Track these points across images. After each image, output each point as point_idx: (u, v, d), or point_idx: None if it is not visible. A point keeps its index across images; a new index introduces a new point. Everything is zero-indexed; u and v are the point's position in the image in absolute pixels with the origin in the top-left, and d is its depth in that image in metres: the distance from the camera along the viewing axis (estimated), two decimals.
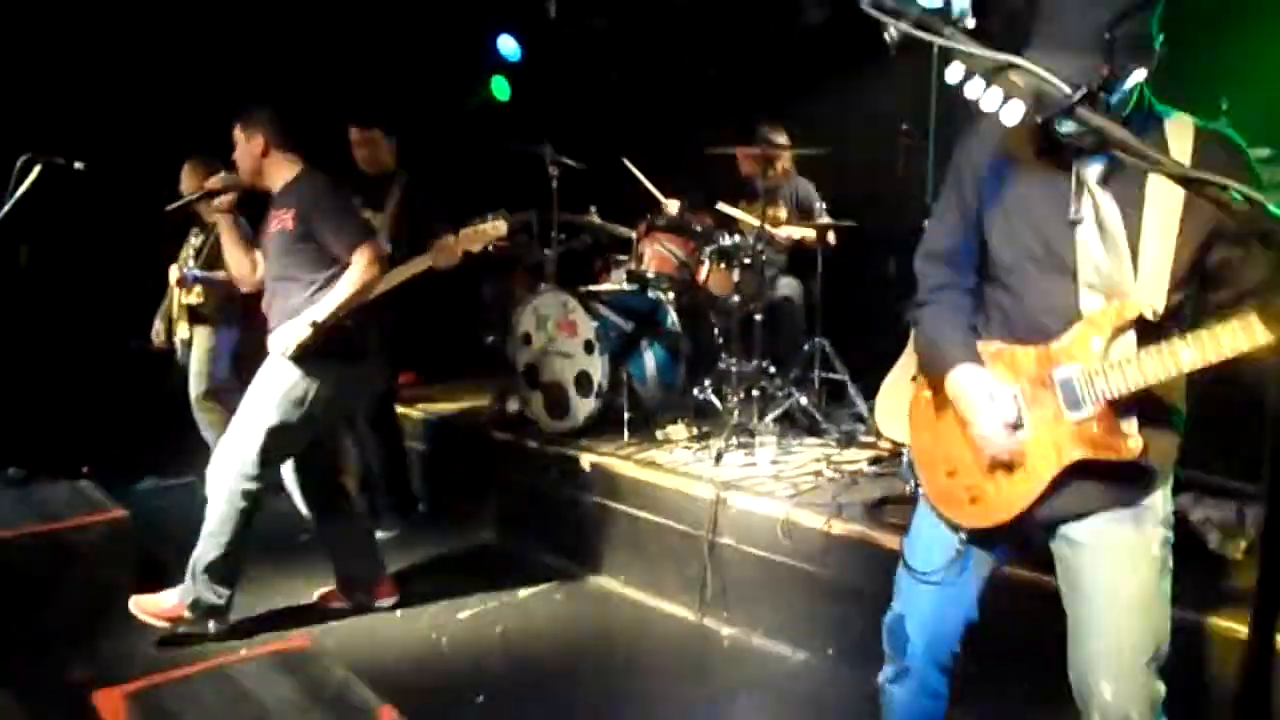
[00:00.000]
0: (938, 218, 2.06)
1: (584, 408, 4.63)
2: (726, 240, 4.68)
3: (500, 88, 7.12)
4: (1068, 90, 1.20)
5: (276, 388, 3.49)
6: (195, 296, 5.26)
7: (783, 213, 5.29)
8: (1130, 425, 1.79)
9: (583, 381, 4.64)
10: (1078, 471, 1.82)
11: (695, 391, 4.74)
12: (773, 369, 4.61)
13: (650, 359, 4.81)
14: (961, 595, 2.04)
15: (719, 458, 4.14)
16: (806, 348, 4.90)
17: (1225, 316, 1.64)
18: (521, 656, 3.54)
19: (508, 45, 6.77)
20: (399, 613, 3.83)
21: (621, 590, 4.11)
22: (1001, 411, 1.85)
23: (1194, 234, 1.72)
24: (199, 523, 3.75)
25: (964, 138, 1.99)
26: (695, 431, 4.61)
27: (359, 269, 3.46)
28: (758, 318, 4.56)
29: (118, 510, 3.98)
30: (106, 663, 3.37)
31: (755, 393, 4.48)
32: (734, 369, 4.57)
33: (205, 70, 5.97)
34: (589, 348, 4.60)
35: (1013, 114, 1.24)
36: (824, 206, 5.23)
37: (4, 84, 5.33)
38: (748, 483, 3.88)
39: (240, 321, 5.42)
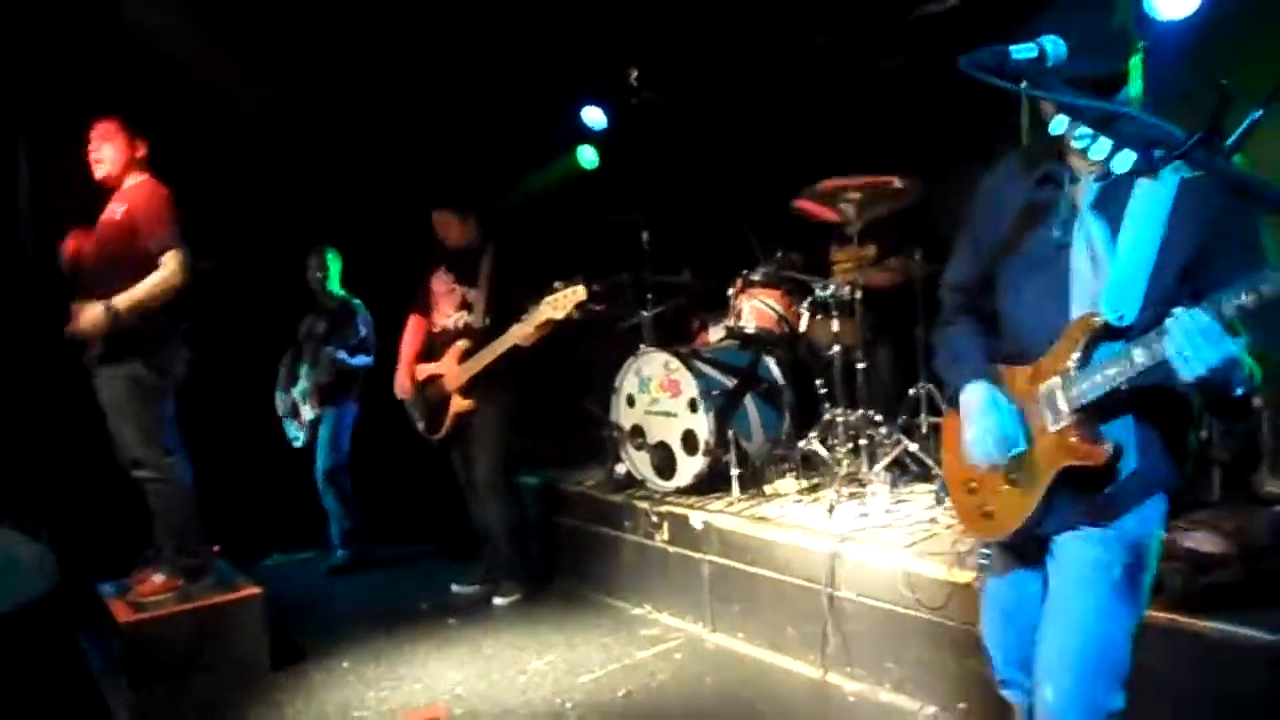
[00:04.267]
0: (958, 251, 2.27)
1: (692, 466, 4.66)
2: (823, 291, 4.69)
3: (586, 157, 7.32)
4: (1182, 137, 1.21)
5: None
6: (327, 376, 5.56)
7: (872, 251, 5.23)
8: (1110, 431, 1.89)
9: (689, 440, 4.68)
10: (1067, 486, 1.95)
11: (802, 444, 4.72)
12: (879, 417, 4.57)
13: (754, 414, 4.83)
14: (1021, 608, 2.16)
15: (831, 509, 4.11)
16: (912, 393, 4.84)
17: None
18: (648, 719, 3.55)
19: (593, 115, 6.96)
20: (523, 679, 3.89)
21: (742, 648, 4.09)
22: (995, 426, 2.00)
23: (1177, 250, 1.81)
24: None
25: (982, 179, 2.20)
26: (805, 484, 4.60)
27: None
28: (860, 365, 4.54)
29: (253, 588, 4.16)
30: None
31: (863, 441, 4.45)
32: (840, 419, 4.55)
33: (312, 162, 6.28)
34: (693, 406, 4.65)
35: (1123, 162, 1.26)
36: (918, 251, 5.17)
37: None
38: (863, 534, 3.84)
39: (360, 397, 5.73)
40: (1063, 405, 1.92)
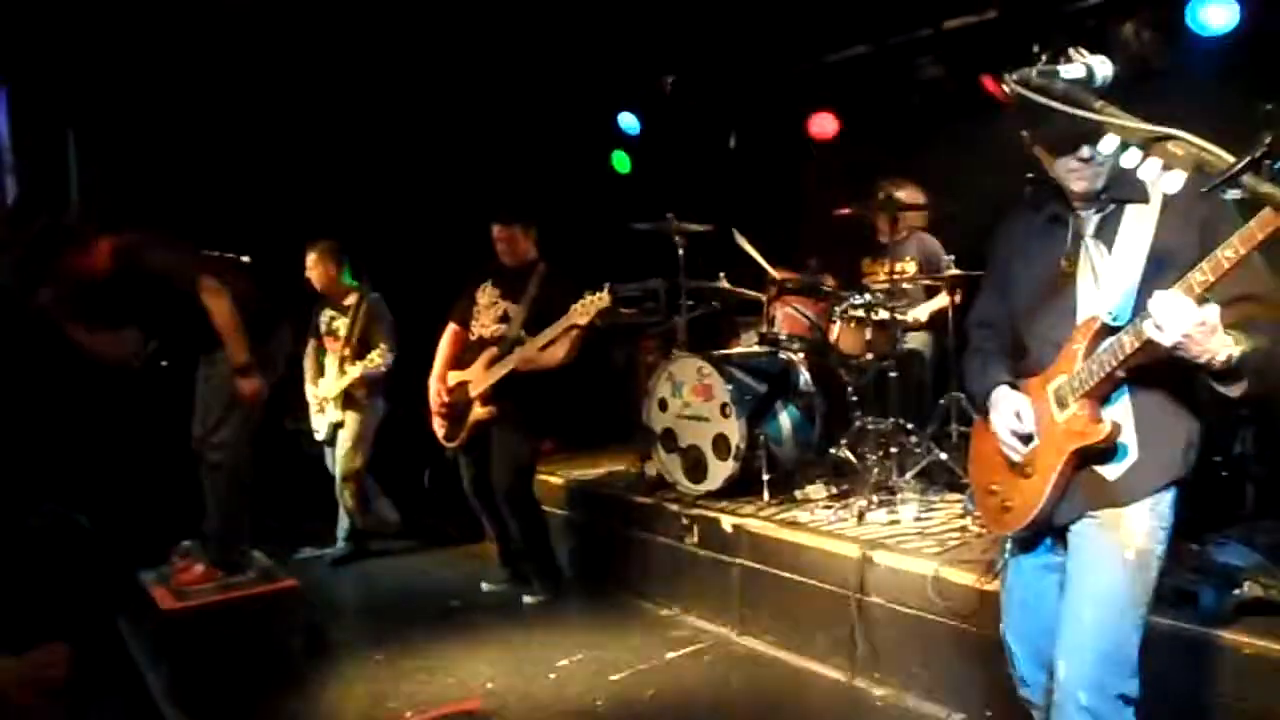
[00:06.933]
0: (983, 292, 2.53)
1: (723, 470, 4.70)
2: (856, 300, 4.72)
3: (621, 161, 7.39)
4: (1230, 159, 1.24)
5: None
6: (356, 385, 5.53)
7: (910, 268, 5.29)
8: (1108, 415, 2.07)
9: (720, 444, 4.72)
10: (1077, 476, 2.12)
11: (832, 450, 4.75)
12: (909, 425, 4.59)
13: (786, 420, 4.86)
14: (1040, 602, 2.27)
15: (861, 516, 4.14)
16: (942, 402, 4.87)
17: None
18: (675, 719, 3.59)
19: (628, 121, 7.03)
20: (553, 676, 3.94)
21: (770, 651, 4.12)
22: (1018, 423, 2.19)
23: (1173, 256, 1.98)
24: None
25: (998, 225, 2.44)
26: (835, 490, 4.62)
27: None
28: (892, 374, 4.57)
29: (289, 581, 4.26)
30: None
31: (893, 449, 4.48)
32: (870, 426, 4.58)
33: (342, 167, 6.36)
34: (725, 411, 4.69)
35: (1173, 183, 1.29)
36: (951, 260, 5.19)
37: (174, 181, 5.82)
38: (893, 540, 3.88)
39: (383, 399, 5.73)
40: (1068, 396, 2.10)
